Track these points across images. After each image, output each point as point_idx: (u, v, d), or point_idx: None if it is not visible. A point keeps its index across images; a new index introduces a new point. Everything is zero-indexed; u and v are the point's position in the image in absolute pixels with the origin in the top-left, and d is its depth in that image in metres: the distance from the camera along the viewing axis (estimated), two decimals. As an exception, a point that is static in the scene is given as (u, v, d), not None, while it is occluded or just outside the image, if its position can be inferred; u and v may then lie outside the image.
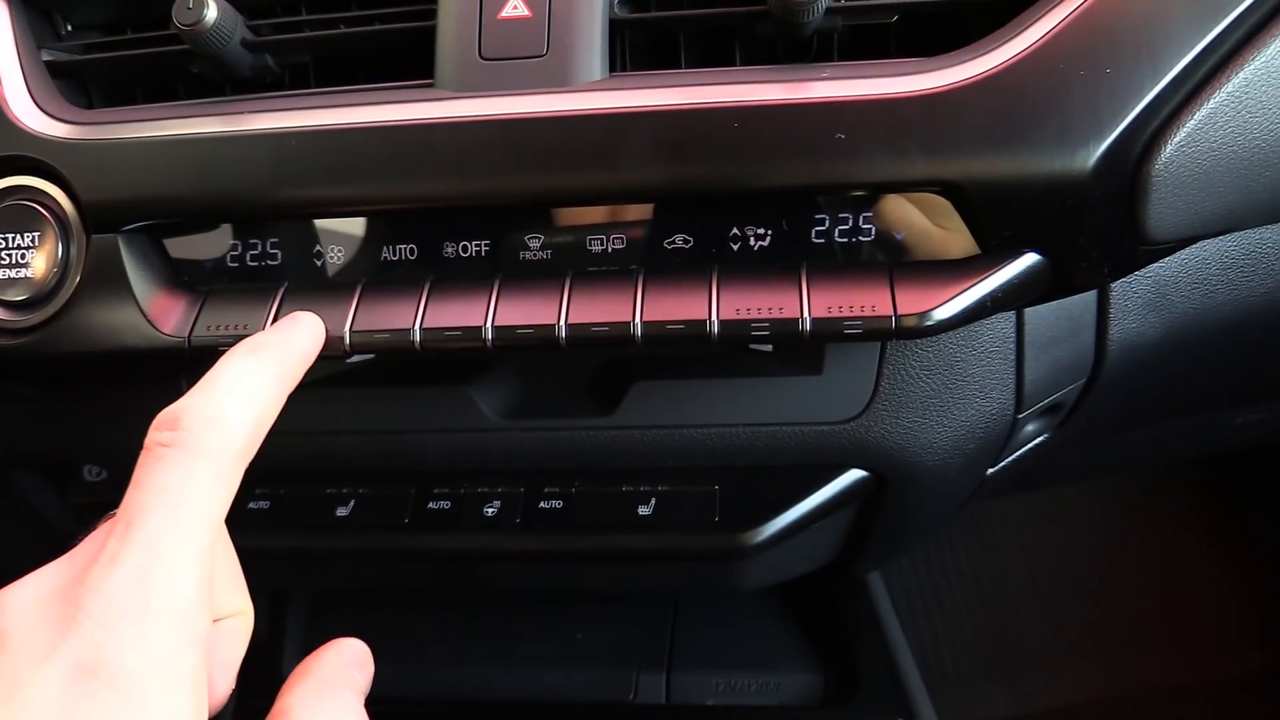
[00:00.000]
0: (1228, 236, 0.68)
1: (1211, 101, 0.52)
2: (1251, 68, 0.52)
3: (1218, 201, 0.55)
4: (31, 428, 0.72)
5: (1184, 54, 0.51)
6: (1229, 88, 0.52)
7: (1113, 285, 0.67)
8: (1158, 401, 0.85)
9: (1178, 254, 0.67)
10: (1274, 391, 0.94)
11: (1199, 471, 1.41)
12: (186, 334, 0.57)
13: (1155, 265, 0.67)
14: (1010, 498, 1.37)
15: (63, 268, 0.58)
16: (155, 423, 0.43)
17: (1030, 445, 0.75)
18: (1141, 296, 0.68)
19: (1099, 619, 1.32)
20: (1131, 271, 0.62)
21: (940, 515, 0.79)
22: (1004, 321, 0.64)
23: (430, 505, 0.67)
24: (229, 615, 0.46)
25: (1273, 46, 0.52)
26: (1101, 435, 0.89)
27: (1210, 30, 0.51)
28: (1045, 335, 0.66)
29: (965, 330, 0.63)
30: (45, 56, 0.63)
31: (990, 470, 0.74)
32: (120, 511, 0.41)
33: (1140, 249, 0.56)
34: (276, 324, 0.51)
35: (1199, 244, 0.67)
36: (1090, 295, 0.67)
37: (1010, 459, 0.74)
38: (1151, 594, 1.33)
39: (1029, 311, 0.65)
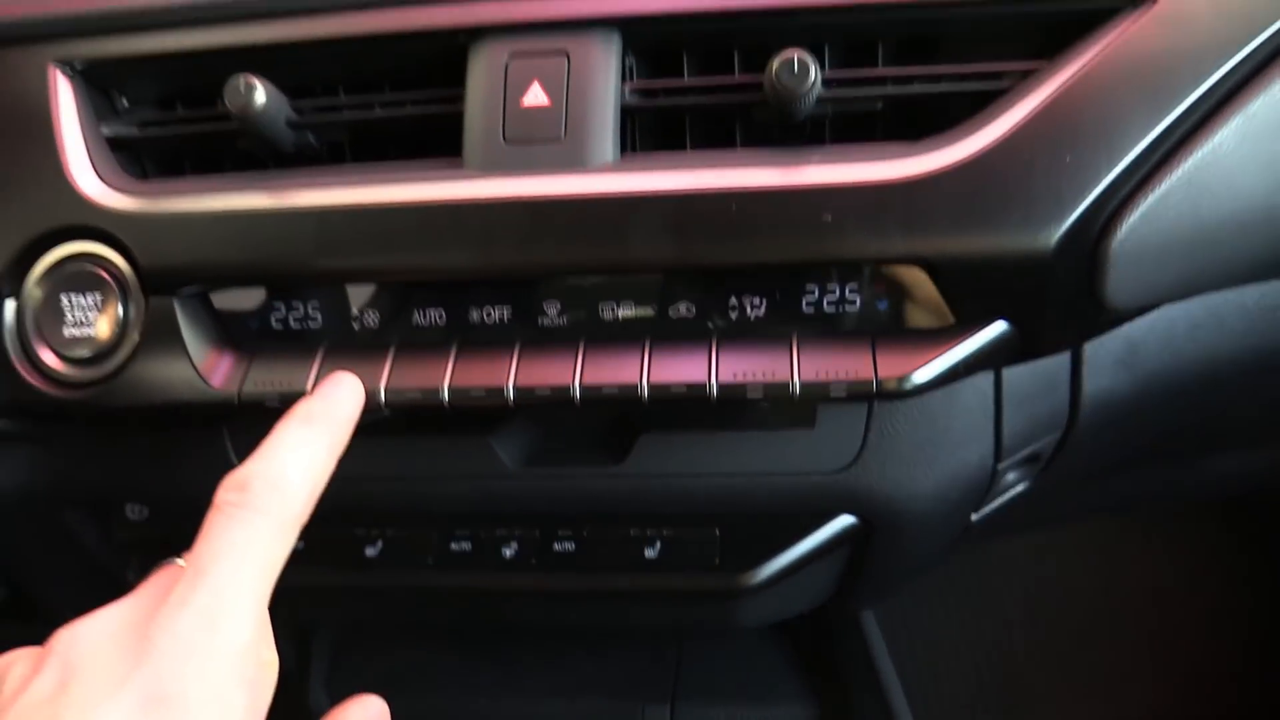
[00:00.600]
0: (1192, 299, 0.73)
1: (1164, 185, 0.57)
2: (1200, 154, 0.57)
3: (1174, 272, 0.60)
4: (80, 468, 0.78)
5: (1137, 143, 0.56)
6: (1179, 173, 0.57)
7: (1085, 345, 0.72)
8: (1135, 451, 0.90)
9: (1145, 316, 0.72)
10: (1249, 441, 0.99)
11: (1192, 510, 1.45)
12: (236, 389, 0.62)
13: (1125, 327, 0.72)
14: (1009, 543, 1.41)
15: (122, 327, 0.64)
16: (224, 484, 0.48)
17: (1012, 493, 0.80)
18: (1112, 355, 0.73)
19: (1094, 657, 1.36)
20: (1097, 335, 0.68)
21: (928, 558, 0.84)
22: (982, 379, 0.69)
23: (452, 546, 0.72)
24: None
25: (1218, 135, 0.58)
26: (1082, 483, 0.94)
27: (1160, 123, 0.56)
28: (1022, 391, 0.71)
29: (946, 388, 0.68)
30: (105, 131, 0.69)
31: (974, 516, 0.79)
32: (191, 559, 0.46)
33: (1103, 316, 0.61)
34: (323, 387, 0.57)
35: (1165, 306, 0.73)
36: (1064, 354, 0.72)
37: (993, 506, 0.79)
38: (1147, 631, 1.37)
39: (1007, 370, 0.70)
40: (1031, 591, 1.38)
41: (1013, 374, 0.71)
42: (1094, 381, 0.73)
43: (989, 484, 0.74)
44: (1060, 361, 0.72)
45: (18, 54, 0.67)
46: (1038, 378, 0.72)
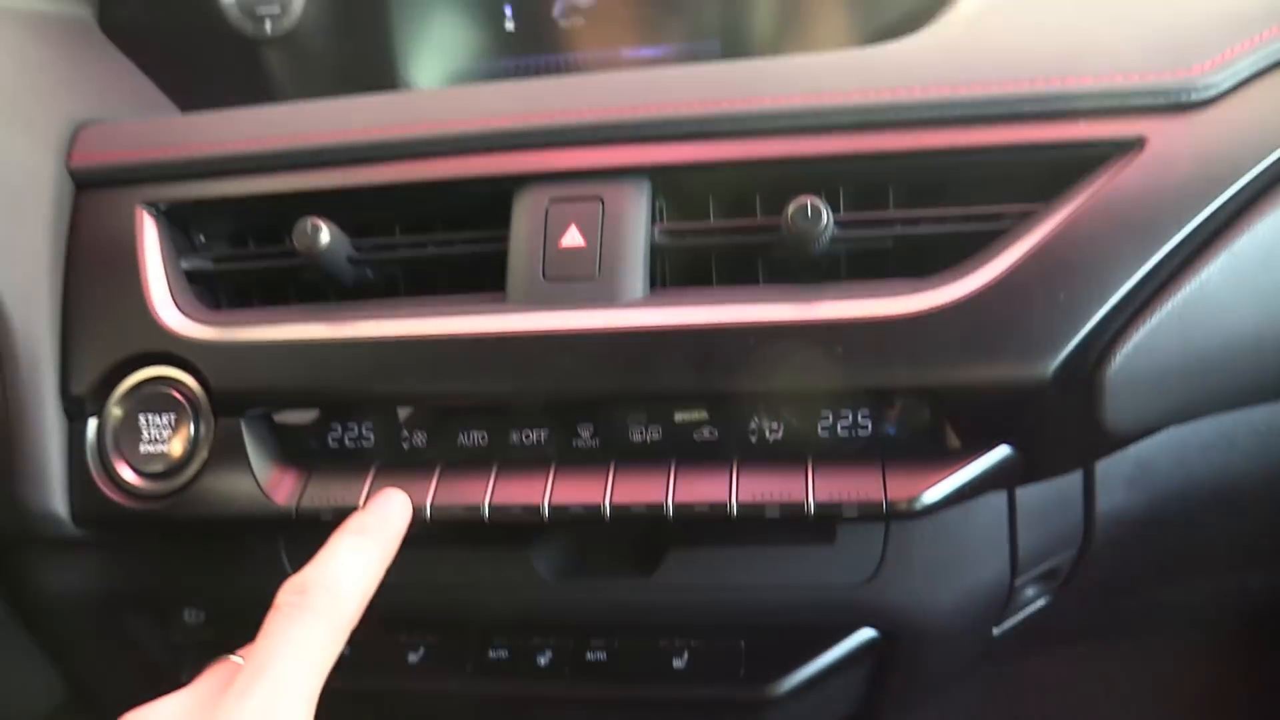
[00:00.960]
0: (1205, 420, 0.76)
1: (1155, 318, 0.61)
2: (1188, 289, 0.61)
3: (1170, 399, 0.64)
4: (143, 575, 0.83)
5: (1126, 281, 0.60)
6: (1169, 306, 0.61)
7: (1097, 465, 0.75)
8: (1157, 568, 0.92)
9: (1157, 435, 0.75)
10: (1272, 559, 1.00)
11: (1227, 626, 1.43)
12: (295, 504, 0.68)
13: (1135, 447, 0.75)
14: (1036, 659, 1.40)
15: (193, 445, 0.70)
16: (285, 587, 0.54)
17: (1032, 608, 0.82)
18: (1124, 474, 0.76)
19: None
20: (1100, 457, 0.71)
21: (952, 672, 0.85)
22: (997, 498, 0.73)
23: (491, 654, 0.76)
24: None
25: (1206, 272, 0.61)
26: (1106, 598, 0.95)
27: (1147, 261, 0.61)
28: (1036, 509, 0.74)
29: (961, 505, 0.72)
30: (184, 265, 0.76)
31: (996, 631, 0.81)
32: (251, 654, 0.51)
33: (1105, 440, 0.65)
34: (375, 502, 0.62)
35: (1177, 427, 0.76)
36: (1076, 474, 0.75)
37: (1015, 620, 0.82)
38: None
39: (1020, 489, 0.74)
40: (1067, 709, 1.37)
41: (1026, 492, 0.74)
42: (1107, 499, 0.76)
43: (1007, 599, 0.76)
44: (1073, 480, 0.75)
45: (111, 195, 0.75)
46: (1051, 496, 0.75)
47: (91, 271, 0.74)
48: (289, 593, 0.54)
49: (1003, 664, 1.00)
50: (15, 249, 0.72)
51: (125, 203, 0.75)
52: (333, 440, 0.70)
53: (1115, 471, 0.75)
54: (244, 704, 0.49)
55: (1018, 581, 0.75)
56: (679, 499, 0.62)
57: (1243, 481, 0.80)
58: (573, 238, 0.66)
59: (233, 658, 0.56)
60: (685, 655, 0.74)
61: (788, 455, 0.64)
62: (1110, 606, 0.97)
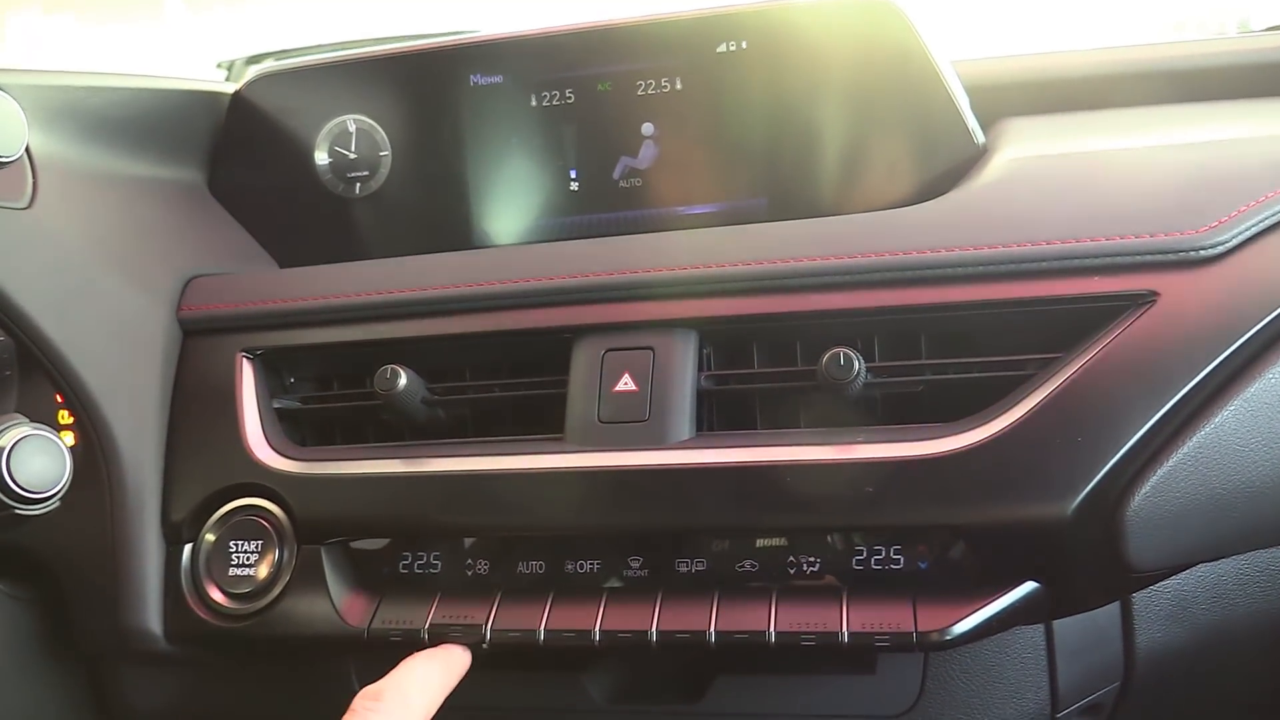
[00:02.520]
0: (1241, 555, 0.78)
1: (1171, 460, 0.65)
2: (1204, 433, 0.65)
3: (1194, 537, 0.67)
4: (223, 694, 0.88)
5: (1140, 426, 0.64)
6: (1185, 449, 0.65)
7: (1134, 599, 0.77)
8: (1204, 706, 0.92)
9: (1194, 571, 0.77)
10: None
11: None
12: (366, 626, 0.73)
13: (1173, 582, 0.78)
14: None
15: (277, 569, 0.76)
16: (363, 693, 0.61)
17: (1079, 744, 0.83)
18: (1163, 610, 0.78)
19: None
20: (1128, 593, 0.73)
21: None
22: (1033, 631, 0.75)
23: (544, 775, 0.80)
24: None
25: (1219, 416, 0.65)
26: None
27: (1160, 408, 0.65)
28: (1074, 643, 0.76)
29: (998, 638, 0.74)
30: (275, 404, 0.83)
31: (1044, 767, 0.82)
32: None
33: (1129, 577, 0.68)
34: (441, 650, 0.69)
35: (1214, 563, 0.78)
36: (1114, 608, 0.77)
37: (1062, 757, 0.82)
38: None
39: (1058, 623, 0.76)
40: None
41: (1064, 627, 0.76)
42: (1146, 634, 0.78)
43: (1050, 733, 0.78)
44: (1111, 616, 0.77)
45: (214, 342, 0.84)
46: (1089, 631, 0.77)
47: (194, 410, 0.82)
48: (366, 697, 0.61)
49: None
50: (128, 389, 0.80)
51: (227, 349, 0.83)
52: (403, 567, 0.76)
53: (1154, 607, 0.77)
54: None
55: (1059, 715, 0.77)
56: (721, 627, 0.67)
57: (1286, 620, 0.81)
58: (626, 383, 0.73)
59: None
60: (732, 783, 0.76)
61: (824, 588, 0.68)
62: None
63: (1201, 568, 0.78)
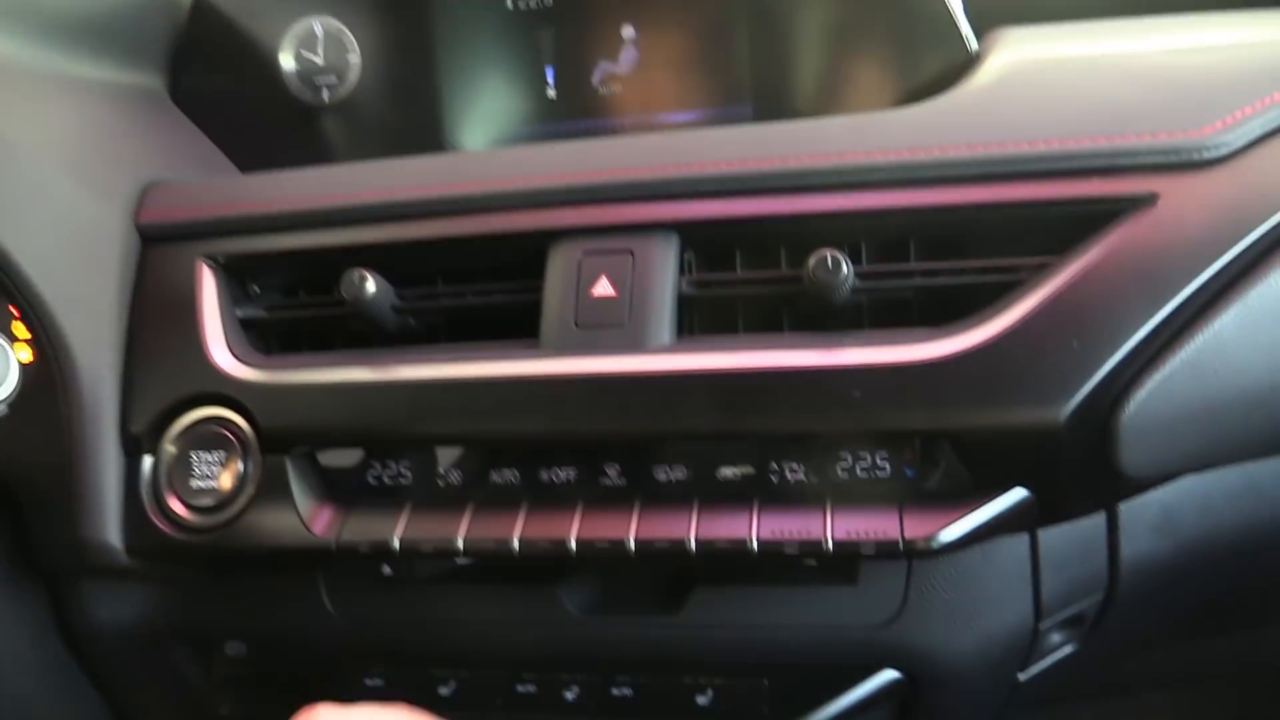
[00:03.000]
0: (1230, 467, 0.77)
1: (1168, 366, 0.63)
2: (1201, 339, 0.63)
3: (1186, 444, 0.65)
4: (190, 608, 0.86)
5: (1137, 331, 0.62)
6: (1182, 355, 0.63)
7: (1120, 510, 0.76)
8: (1190, 617, 0.92)
9: (1181, 482, 0.76)
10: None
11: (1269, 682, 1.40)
12: (334, 539, 0.71)
13: (1159, 493, 0.76)
14: (1080, 709, 1.38)
15: (241, 481, 0.74)
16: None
17: (1059, 655, 0.82)
18: (1149, 521, 0.77)
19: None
20: (1116, 502, 0.72)
21: (978, 718, 0.86)
22: (1019, 541, 0.74)
23: (519, 689, 0.78)
24: None
25: (1218, 322, 0.63)
26: (1140, 647, 0.95)
27: (1158, 312, 0.63)
28: (1059, 554, 0.75)
29: (983, 548, 0.73)
30: (239, 313, 0.80)
31: (1022, 676, 0.81)
32: None
33: (1121, 485, 0.66)
34: None
35: (1203, 475, 0.77)
36: (1100, 518, 0.76)
37: (1041, 667, 0.82)
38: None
39: (1043, 532, 0.75)
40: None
41: (1049, 537, 0.75)
42: (1131, 546, 0.77)
43: (1031, 643, 0.77)
44: (1097, 526, 0.76)
45: (174, 250, 0.80)
46: (1074, 541, 0.76)
47: (153, 319, 0.79)
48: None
49: (1032, 714, 0.99)
50: (84, 297, 0.77)
51: (187, 256, 0.80)
52: (371, 478, 0.74)
53: (1140, 518, 0.76)
54: None
55: (1042, 626, 0.76)
56: (701, 535, 0.65)
57: (1269, 531, 0.80)
58: (604, 288, 0.70)
59: None
60: (709, 693, 0.75)
61: (808, 496, 0.66)
62: (1140, 657, 0.97)
63: (1189, 480, 0.77)
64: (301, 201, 0.79)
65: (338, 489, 0.75)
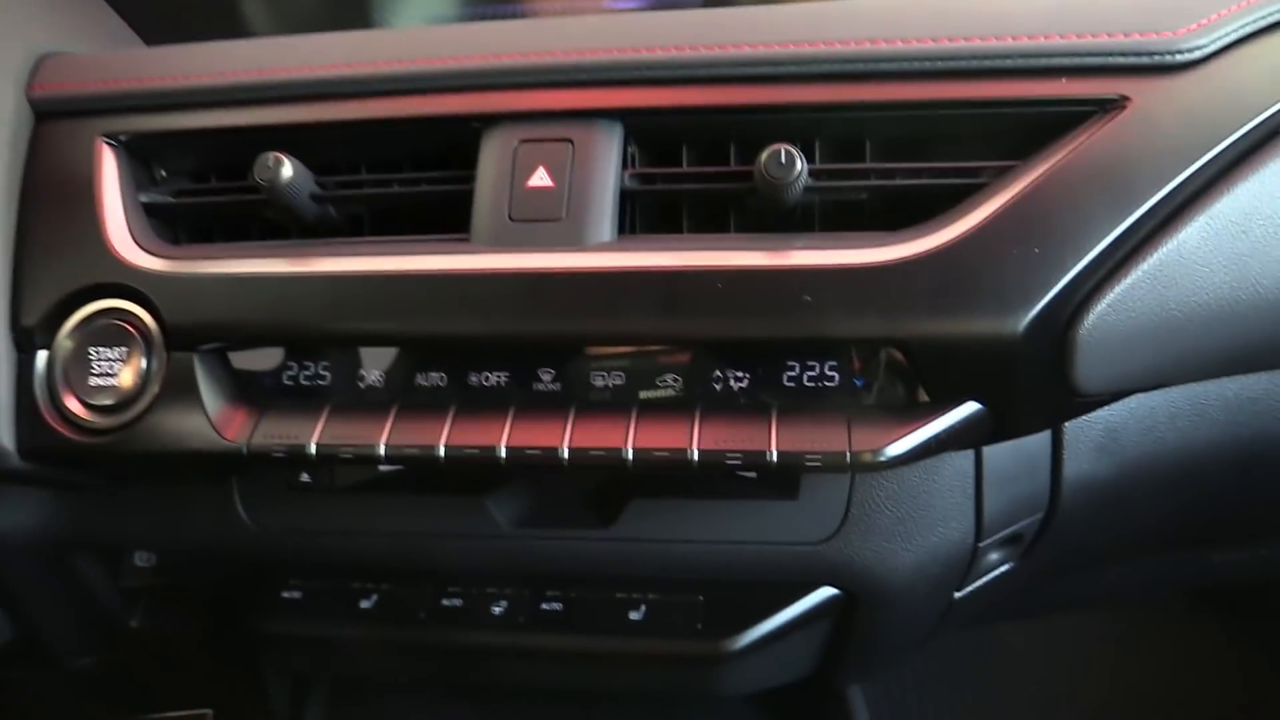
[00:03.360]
0: (1175, 389, 0.76)
1: (1130, 278, 0.61)
2: (1165, 250, 0.61)
3: (1142, 361, 0.63)
4: (93, 515, 0.81)
5: (1102, 238, 0.60)
6: (1145, 266, 0.61)
7: (1066, 428, 0.75)
8: (1124, 539, 0.91)
9: (1126, 402, 0.75)
10: (1244, 534, 1.00)
11: (1206, 605, 1.44)
12: (245, 442, 0.66)
13: (1105, 412, 0.75)
14: (1012, 629, 1.41)
15: (144, 379, 0.68)
16: None
17: (996, 573, 0.82)
18: (1093, 440, 0.75)
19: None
20: (1068, 419, 0.70)
21: (912, 635, 0.85)
22: (963, 458, 0.72)
23: (444, 602, 0.75)
24: None
25: (1182, 232, 0.61)
26: (1075, 568, 0.95)
27: (1125, 220, 0.60)
28: (1003, 472, 0.73)
29: (926, 465, 0.71)
30: (143, 198, 0.74)
31: (958, 595, 0.80)
32: None
33: (1073, 400, 0.64)
34: None
35: (1148, 394, 0.75)
36: (1045, 437, 0.74)
37: (977, 585, 0.81)
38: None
39: (988, 450, 0.73)
40: (1034, 682, 1.37)
41: (994, 454, 0.73)
42: (1074, 465, 0.75)
43: (970, 561, 0.76)
44: (1041, 444, 0.75)
45: (71, 126, 0.73)
46: (1019, 459, 0.74)
47: (48, 202, 0.72)
48: None
49: (965, 632, 1.00)
50: (-33, 177, 0.70)
51: (85, 134, 0.73)
52: (287, 378, 0.69)
53: (1085, 437, 0.75)
54: None
55: (982, 544, 0.74)
56: (639, 445, 0.61)
57: (1210, 454, 0.80)
58: (541, 178, 0.65)
59: None
60: (643, 608, 0.73)
61: (752, 406, 0.63)
62: (1073, 578, 0.97)
63: (1134, 399, 0.75)
64: (213, 76, 0.72)
65: (251, 390, 0.70)
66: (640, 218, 0.68)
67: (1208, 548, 1.02)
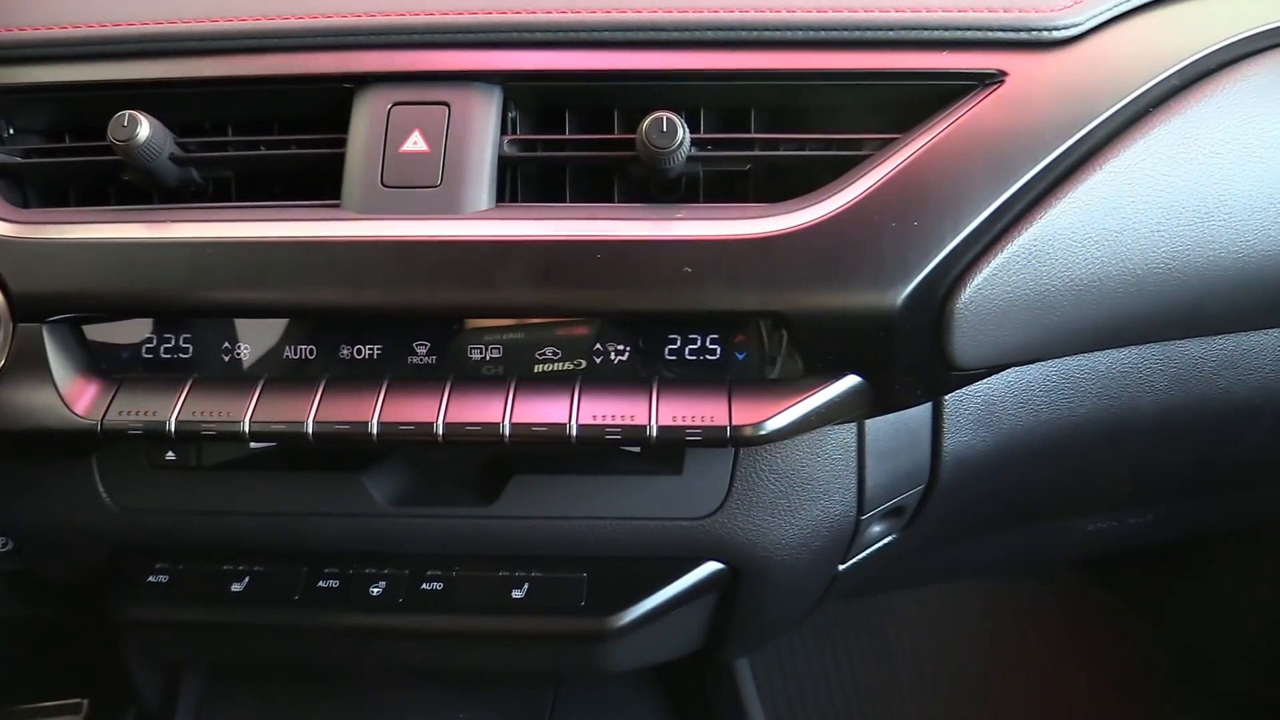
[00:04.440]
0: (1050, 363, 0.77)
1: (1006, 252, 0.61)
2: (1039, 225, 0.62)
3: (1016, 335, 0.64)
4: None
5: (980, 212, 0.60)
6: (1021, 241, 0.61)
7: (946, 402, 0.75)
8: (1002, 509, 0.94)
9: (1004, 376, 0.76)
10: (1114, 504, 1.04)
11: (1081, 572, 1.49)
12: (99, 418, 0.62)
13: (983, 385, 0.76)
14: (897, 598, 1.44)
15: (-13, 352, 0.63)
16: None
17: (879, 545, 0.83)
18: (972, 414, 0.77)
19: (976, 710, 1.38)
20: (946, 393, 0.71)
21: (796, 607, 0.86)
22: (845, 432, 0.72)
23: (320, 584, 0.72)
24: None
25: (1056, 208, 0.62)
26: (955, 539, 0.97)
27: (1001, 194, 0.60)
28: (884, 445, 0.74)
29: (809, 439, 0.71)
30: (-13, 157, 0.69)
31: (841, 567, 0.81)
32: None
33: (951, 374, 0.64)
34: None
35: (1024, 368, 0.77)
36: (925, 410, 0.75)
37: (860, 557, 0.82)
38: (1027, 686, 1.40)
39: (869, 423, 0.73)
40: (918, 649, 1.40)
41: (875, 428, 0.74)
42: (954, 438, 0.76)
43: (853, 534, 0.76)
44: (922, 418, 0.75)
45: (-99, 77, 0.67)
46: (900, 433, 0.75)
47: (-122, 159, 0.67)
48: None
49: (855, 602, 1.01)
50: None
51: (-81, 85, 0.67)
52: (146, 350, 0.65)
53: (964, 410, 0.76)
54: None
55: (864, 517, 0.75)
56: (517, 419, 0.59)
57: (1083, 427, 0.82)
58: (415, 143, 0.62)
59: None
60: (525, 586, 0.72)
61: (633, 379, 0.62)
62: (956, 547, 0.99)
63: (1011, 374, 0.77)
64: (65, 28, 0.68)
65: (107, 363, 0.66)
66: (522, 186, 0.66)
67: (1081, 517, 1.06)
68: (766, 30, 0.63)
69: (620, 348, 0.62)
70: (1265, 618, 1.34)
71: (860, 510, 0.74)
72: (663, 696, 0.95)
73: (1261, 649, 1.33)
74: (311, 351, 0.63)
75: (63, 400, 0.63)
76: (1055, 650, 1.44)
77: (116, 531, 0.74)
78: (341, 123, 0.64)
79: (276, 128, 0.68)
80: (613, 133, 0.66)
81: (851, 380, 0.61)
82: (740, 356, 0.62)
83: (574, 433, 0.59)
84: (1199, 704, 1.36)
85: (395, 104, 0.63)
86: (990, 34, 0.63)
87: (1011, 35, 0.63)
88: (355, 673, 0.94)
